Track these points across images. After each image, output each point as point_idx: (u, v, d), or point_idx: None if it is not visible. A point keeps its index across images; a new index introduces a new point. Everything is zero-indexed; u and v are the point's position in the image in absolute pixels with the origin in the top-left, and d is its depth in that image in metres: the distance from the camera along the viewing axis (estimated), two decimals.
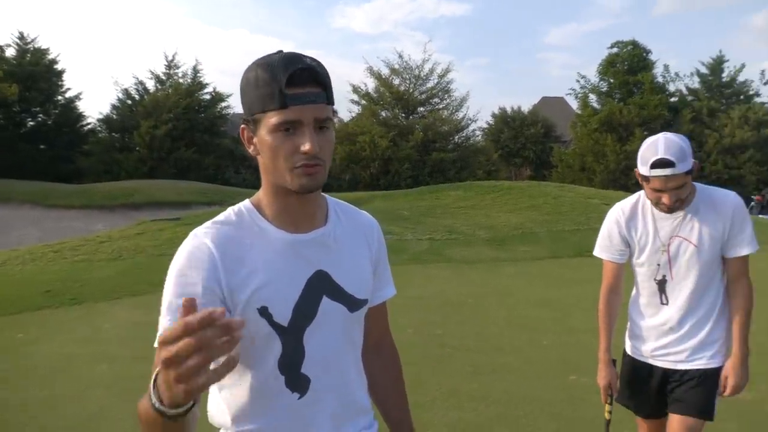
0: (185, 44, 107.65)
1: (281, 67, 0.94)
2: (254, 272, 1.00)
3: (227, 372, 0.69)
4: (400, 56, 28.29)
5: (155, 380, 0.75)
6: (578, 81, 30.42)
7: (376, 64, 34.26)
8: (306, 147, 0.94)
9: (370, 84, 28.58)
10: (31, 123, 26.65)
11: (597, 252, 2.09)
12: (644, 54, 29.63)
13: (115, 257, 8.85)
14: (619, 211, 2.02)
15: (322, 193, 1.13)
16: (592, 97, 30.17)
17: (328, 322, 1.06)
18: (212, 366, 0.69)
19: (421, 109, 28.55)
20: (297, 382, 1.04)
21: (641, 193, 1.96)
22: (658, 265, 1.95)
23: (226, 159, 26.77)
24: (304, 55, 0.98)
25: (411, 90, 28.04)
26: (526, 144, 31.47)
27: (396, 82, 28.04)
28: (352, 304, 1.09)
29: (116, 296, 6.79)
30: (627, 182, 24.25)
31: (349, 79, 30.80)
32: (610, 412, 2.15)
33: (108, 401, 3.71)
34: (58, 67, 26.88)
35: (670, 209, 1.84)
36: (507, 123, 32.49)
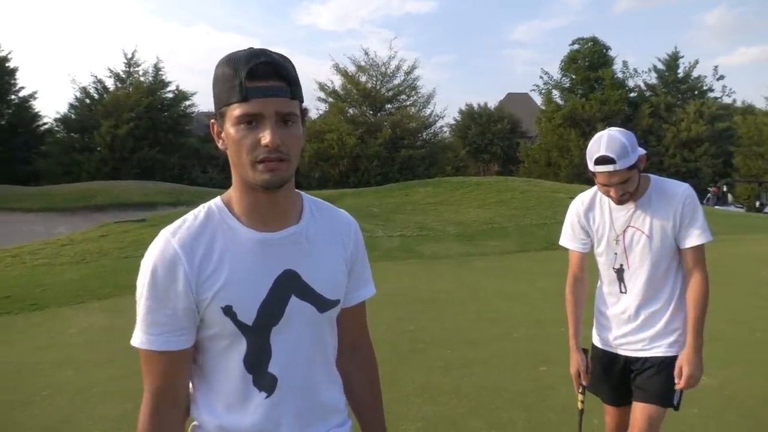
0: (145, 41, 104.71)
1: (243, 61, 0.95)
2: (220, 271, 1.01)
3: None
4: (366, 53, 28.29)
5: None
6: (542, 77, 31.05)
7: (342, 61, 34.09)
8: (266, 140, 0.94)
9: (337, 81, 28.41)
10: None
11: (562, 242, 2.16)
12: (604, 50, 30.43)
13: (78, 260, 8.59)
14: (579, 202, 2.10)
15: (298, 191, 1.13)
16: (556, 93, 30.83)
17: (295, 321, 1.06)
18: None
19: (389, 106, 28.62)
20: (264, 381, 1.05)
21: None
22: (615, 254, 2.01)
23: (192, 158, 26.26)
24: (270, 51, 0.99)
25: (378, 87, 28.07)
26: (493, 140, 31.89)
27: (363, 79, 28.05)
28: (322, 304, 1.09)
29: (80, 300, 6.60)
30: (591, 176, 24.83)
31: (315, 77, 30.51)
32: (582, 402, 2.17)
33: (75, 407, 3.61)
34: (11, 65, 25.82)
35: (619, 201, 1.93)
36: (474, 119, 32.84)
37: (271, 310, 1.03)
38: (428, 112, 28.70)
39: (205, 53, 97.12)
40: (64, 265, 8.34)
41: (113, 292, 6.88)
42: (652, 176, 1.99)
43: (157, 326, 1.00)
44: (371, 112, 28.23)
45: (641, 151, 1.89)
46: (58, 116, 26.24)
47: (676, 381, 1.94)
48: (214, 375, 1.05)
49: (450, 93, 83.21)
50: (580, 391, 2.17)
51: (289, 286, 1.05)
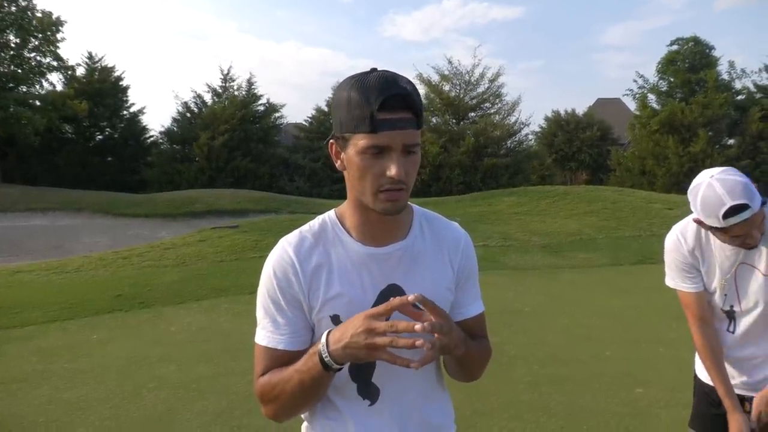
0: (240, 58, 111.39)
1: (375, 90, 0.95)
2: (330, 281, 1.06)
3: (393, 362, 0.93)
4: (450, 62, 28.19)
5: (327, 339, 0.98)
6: (635, 81, 29.37)
7: (425, 71, 34.25)
8: (392, 172, 0.96)
9: (420, 91, 28.46)
10: (99, 137, 28.27)
11: (672, 283, 1.88)
12: (707, 50, 28.30)
13: (178, 263, 9.25)
14: (679, 240, 1.83)
15: (410, 204, 1.15)
16: (651, 97, 29.01)
17: None
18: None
19: (472, 114, 28.32)
20: (367, 390, 1.09)
21: None
22: (725, 295, 1.79)
23: (280, 168, 27.45)
24: (399, 78, 0.98)
25: (461, 95, 27.88)
26: (582, 147, 30.55)
27: (446, 88, 27.96)
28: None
29: (181, 301, 7.10)
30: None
31: None
32: None
33: (176, 400, 3.88)
34: (124, 83, 28.42)
35: (753, 245, 1.69)
36: (561, 126, 31.66)
37: None
38: (513, 119, 28.10)
39: (294, 67, 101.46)
40: (167, 268, 9.01)
41: (210, 294, 7.34)
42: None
43: (270, 325, 1.08)
44: (454, 120, 28.08)
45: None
46: (162, 129, 28.53)
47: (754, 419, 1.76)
48: None
49: (536, 100, 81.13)
50: None
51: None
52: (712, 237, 1.77)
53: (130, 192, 21.86)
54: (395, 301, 0.93)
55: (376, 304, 1.06)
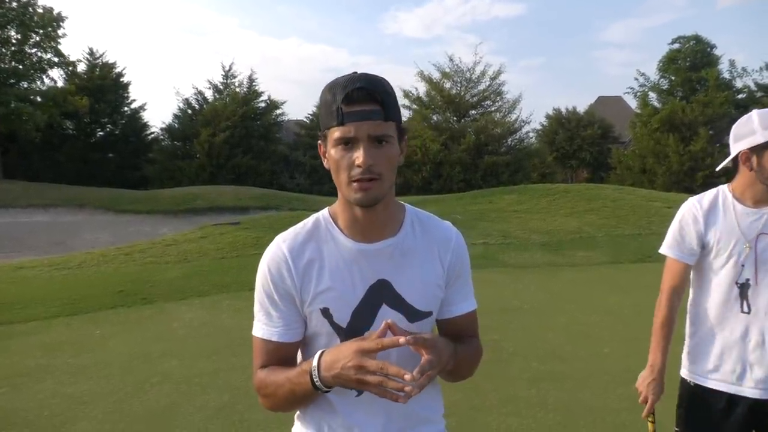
0: (242, 54, 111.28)
1: (341, 86, 1.04)
2: (321, 276, 1.12)
3: (383, 396, 0.98)
4: (451, 59, 28.23)
5: (318, 363, 1.04)
6: (637, 79, 29.35)
7: (427, 68, 34.24)
8: (359, 160, 1.02)
9: (421, 88, 28.48)
10: (101, 133, 28.35)
11: (664, 249, 1.86)
12: (708, 49, 28.30)
13: (180, 260, 9.29)
14: (695, 204, 1.80)
15: (403, 203, 1.19)
16: (652, 96, 29.01)
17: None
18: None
19: (473, 112, 28.35)
20: None
21: (721, 187, 1.80)
22: (742, 266, 1.70)
23: (280, 165, 27.49)
24: (369, 76, 1.06)
25: (462, 93, 27.91)
26: (583, 145, 30.59)
27: (447, 85, 27.98)
28: (412, 314, 1.14)
29: (183, 297, 7.14)
30: (692, 184, 23.13)
31: (400, 85, 30.82)
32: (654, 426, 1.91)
33: (178, 395, 3.93)
34: (125, 80, 28.49)
35: None
36: (562, 124, 31.69)
37: (363, 315, 1.11)
38: (514, 117, 28.16)
39: (296, 63, 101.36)
40: (169, 264, 9.05)
41: (211, 291, 7.39)
42: None
43: (265, 318, 1.15)
44: (455, 118, 28.11)
45: None
46: (163, 126, 28.60)
47: None
48: None
49: (537, 97, 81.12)
50: (651, 420, 1.90)
51: (381, 294, 1.13)
52: (732, 201, 1.75)
53: (131, 188, 21.91)
54: (386, 341, 0.97)
55: (365, 299, 1.12)
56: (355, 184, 1.04)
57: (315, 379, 1.03)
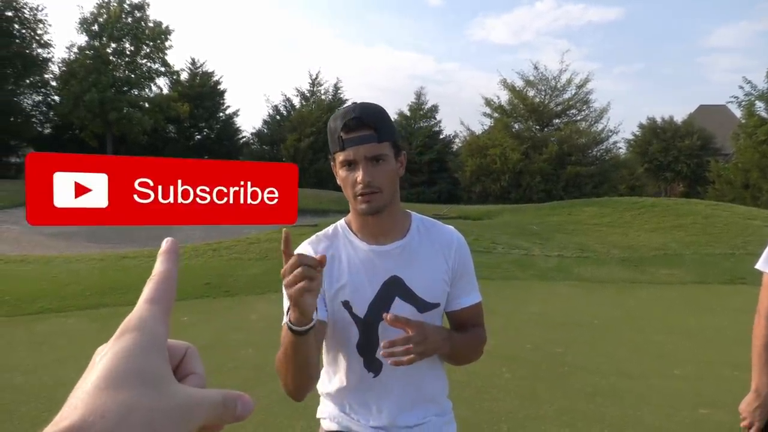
0: (331, 62, 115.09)
1: (340, 117, 1.25)
2: (342, 274, 1.33)
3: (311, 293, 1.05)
4: (536, 67, 27.60)
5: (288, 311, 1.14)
6: (742, 87, 27.09)
7: (510, 76, 33.67)
8: (359, 179, 1.23)
9: (504, 96, 28.20)
10: (198, 136, 30.55)
11: (761, 265, 1.71)
12: None
13: (262, 257, 9.91)
14: None
15: (410, 212, 1.40)
16: (760, 105, 26.66)
17: None
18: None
19: (557, 120, 27.51)
20: (372, 364, 1.34)
21: None
22: None
23: None
24: (365, 105, 1.26)
25: (546, 101, 27.19)
26: (679, 157, 28.67)
27: (531, 93, 27.39)
28: (422, 306, 1.33)
29: (262, 291, 7.64)
30: None
31: (483, 92, 30.58)
32: None
33: (251, 380, 4.28)
34: (221, 87, 30.51)
35: None
36: (656, 134, 29.89)
37: (379, 307, 1.31)
38: (600, 127, 27.00)
39: (383, 71, 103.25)
40: (251, 260, 9.68)
41: None
42: None
43: None
44: (537, 127, 27.44)
45: None
46: (253, 130, 30.31)
47: None
48: (338, 355, 1.37)
49: (633, 106, 76.80)
50: None
51: (394, 289, 1.32)
52: None
53: None
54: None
55: (379, 293, 1.31)
56: (359, 197, 1.26)
57: (285, 320, 1.14)
